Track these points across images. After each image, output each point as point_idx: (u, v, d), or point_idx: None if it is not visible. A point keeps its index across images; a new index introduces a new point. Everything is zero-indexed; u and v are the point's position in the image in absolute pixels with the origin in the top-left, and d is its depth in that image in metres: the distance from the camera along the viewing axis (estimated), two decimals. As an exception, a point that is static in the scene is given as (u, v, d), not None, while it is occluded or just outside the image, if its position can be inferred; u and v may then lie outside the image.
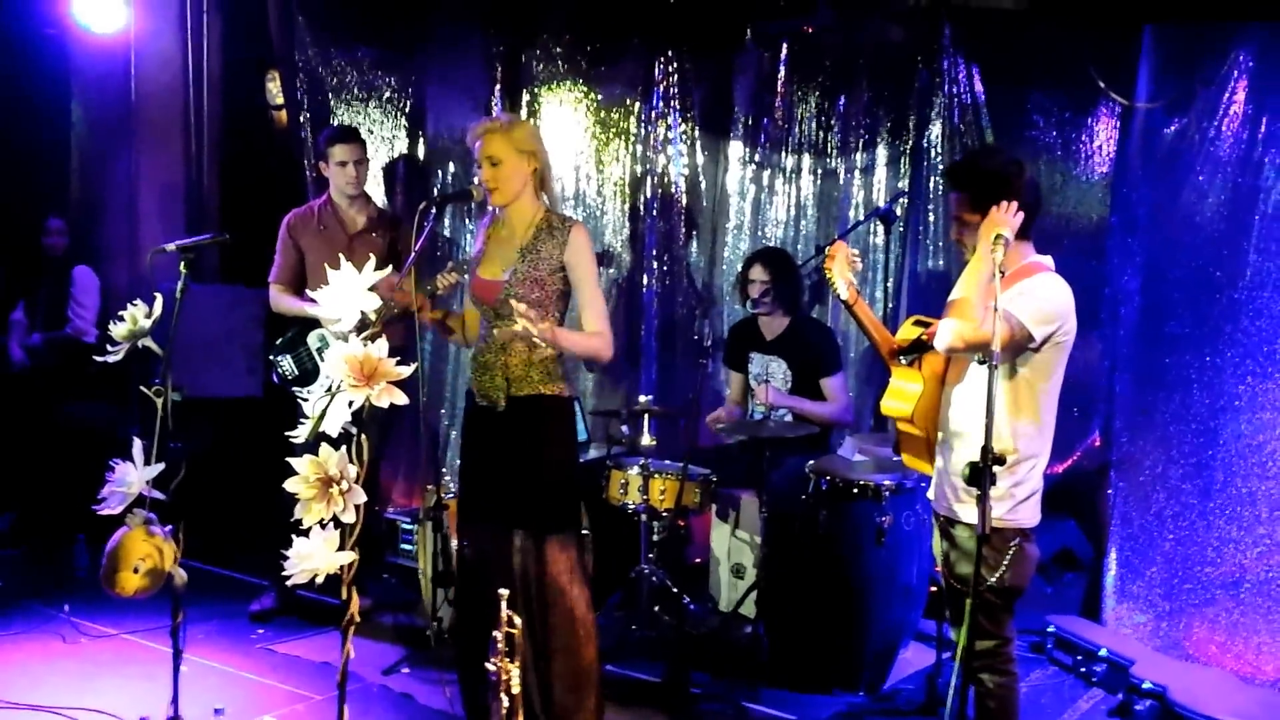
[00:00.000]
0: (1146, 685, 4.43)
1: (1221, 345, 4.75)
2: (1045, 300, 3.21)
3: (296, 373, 5.08)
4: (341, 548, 2.64)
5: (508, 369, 3.79)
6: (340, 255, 2.92)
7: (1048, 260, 3.37)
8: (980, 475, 2.73)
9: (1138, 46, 5.05)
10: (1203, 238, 4.82)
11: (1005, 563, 3.23)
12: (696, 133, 6.46)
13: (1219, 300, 4.76)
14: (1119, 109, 5.25)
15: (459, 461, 4.21)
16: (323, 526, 2.63)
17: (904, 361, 3.42)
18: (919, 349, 3.36)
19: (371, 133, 6.52)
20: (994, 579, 3.22)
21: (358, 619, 2.75)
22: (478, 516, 3.92)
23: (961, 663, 2.93)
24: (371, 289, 2.65)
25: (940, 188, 5.71)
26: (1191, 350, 4.84)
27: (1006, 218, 3.14)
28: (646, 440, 5.16)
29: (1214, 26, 4.78)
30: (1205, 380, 4.80)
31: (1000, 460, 2.74)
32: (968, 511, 3.27)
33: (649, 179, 6.52)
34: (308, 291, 4.81)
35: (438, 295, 4.14)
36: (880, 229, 5.63)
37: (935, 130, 5.70)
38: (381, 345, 2.61)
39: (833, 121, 6.06)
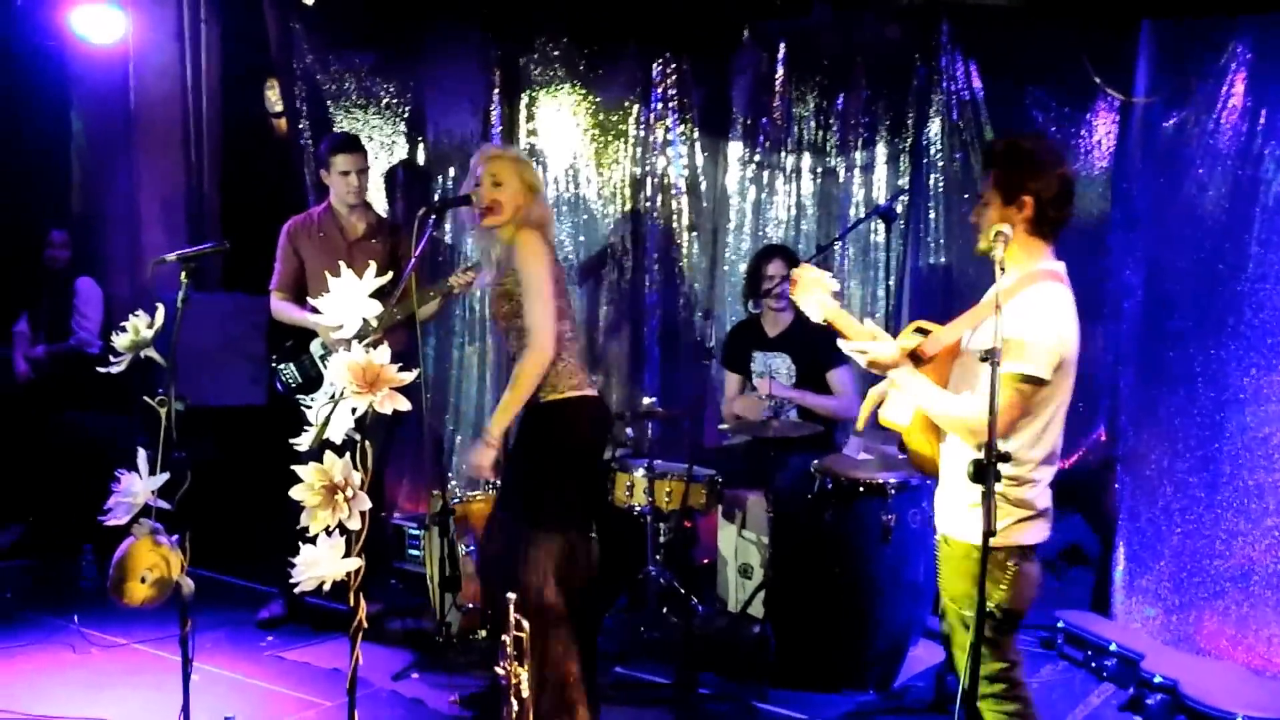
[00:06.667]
0: (1158, 679, 4.43)
1: (1225, 338, 4.75)
2: (1041, 332, 2.92)
3: (300, 380, 5.08)
4: (348, 554, 2.64)
5: None
6: (340, 262, 2.91)
7: (1059, 267, 3.08)
8: (984, 472, 2.67)
9: (1135, 41, 5.05)
10: (1204, 231, 4.81)
11: (1003, 586, 3.00)
12: (696, 134, 6.46)
13: (1221, 293, 4.75)
14: (1118, 104, 5.24)
15: None
16: (329, 533, 2.63)
17: None
18: (913, 362, 3.12)
19: (371, 139, 6.52)
20: (991, 605, 2.96)
21: (366, 625, 2.74)
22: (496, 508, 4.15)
23: (964, 700, 2.82)
24: None
25: (940, 184, 5.71)
26: (1195, 344, 4.83)
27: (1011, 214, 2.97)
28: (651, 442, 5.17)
29: (1211, 20, 4.78)
30: (1209, 374, 4.79)
31: (1005, 458, 2.69)
32: (957, 527, 3.10)
33: (649, 181, 6.52)
34: (309, 299, 4.82)
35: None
36: (881, 227, 5.63)
37: (934, 127, 5.70)
38: (384, 351, 2.60)
39: (832, 120, 6.05)
